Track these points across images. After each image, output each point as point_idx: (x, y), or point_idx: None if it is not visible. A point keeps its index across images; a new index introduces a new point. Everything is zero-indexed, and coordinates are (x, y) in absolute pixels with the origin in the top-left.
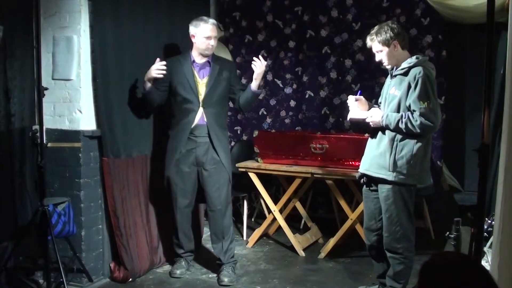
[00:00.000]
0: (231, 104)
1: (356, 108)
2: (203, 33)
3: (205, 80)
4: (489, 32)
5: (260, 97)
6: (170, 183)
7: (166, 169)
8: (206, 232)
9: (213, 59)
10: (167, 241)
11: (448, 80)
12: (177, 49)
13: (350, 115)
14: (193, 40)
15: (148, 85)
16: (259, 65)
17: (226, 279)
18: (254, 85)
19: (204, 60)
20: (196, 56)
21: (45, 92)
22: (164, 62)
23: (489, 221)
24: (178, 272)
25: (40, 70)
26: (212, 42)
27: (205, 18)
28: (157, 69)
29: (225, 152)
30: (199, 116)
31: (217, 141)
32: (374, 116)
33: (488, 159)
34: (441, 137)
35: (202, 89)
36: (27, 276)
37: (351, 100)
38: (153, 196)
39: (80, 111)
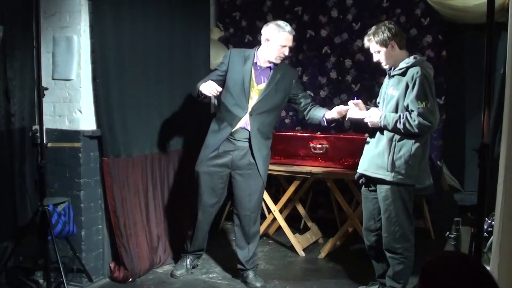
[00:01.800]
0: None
1: (355, 108)
2: (280, 41)
3: (261, 86)
4: (489, 32)
5: None
6: (198, 179)
7: (197, 164)
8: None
9: (275, 66)
10: (167, 241)
11: (448, 80)
12: (177, 49)
13: (349, 115)
14: (265, 43)
15: (201, 94)
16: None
17: (258, 284)
18: (329, 116)
19: (267, 64)
20: (261, 58)
21: (45, 92)
22: (220, 90)
23: (489, 221)
24: (178, 273)
25: (40, 70)
26: (287, 52)
27: (283, 24)
28: (212, 90)
29: (263, 160)
30: (244, 121)
31: (257, 149)
32: (372, 116)
33: (488, 159)
34: (441, 137)
35: (254, 95)
36: (27, 276)
37: (351, 105)
38: (153, 195)
39: (80, 111)
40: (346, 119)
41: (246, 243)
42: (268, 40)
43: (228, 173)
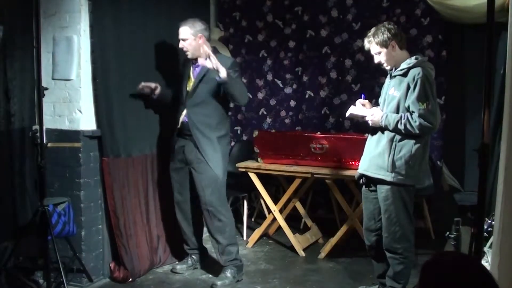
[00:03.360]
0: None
1: (360, 105)
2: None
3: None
4: (489, 32)
5: (260, 97)
6: (170, 179)
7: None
8: (205, 232)
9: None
10: (167, 241)
11: (448, 80)
12: (177, 48)
13: (351, 111)
14: None
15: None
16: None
17: (218, 282)
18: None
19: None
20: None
21: (45, 92)
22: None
23: (489, 221)
24: (178, 267)
25: (40, 70)
26: (180, 44)
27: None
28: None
29: (211, 151)
30: (184, 115)
31: (202, 141)
32: (375, 114)
33: (488, 159)
34: (441, 137)
35: (190, 89)
36: (27, 276)
37: (358, 104)
38: (153, 195)
39: (80, 111)
40: (347, 115)
41: (214, 238)
42: None
43: (188, 169)
